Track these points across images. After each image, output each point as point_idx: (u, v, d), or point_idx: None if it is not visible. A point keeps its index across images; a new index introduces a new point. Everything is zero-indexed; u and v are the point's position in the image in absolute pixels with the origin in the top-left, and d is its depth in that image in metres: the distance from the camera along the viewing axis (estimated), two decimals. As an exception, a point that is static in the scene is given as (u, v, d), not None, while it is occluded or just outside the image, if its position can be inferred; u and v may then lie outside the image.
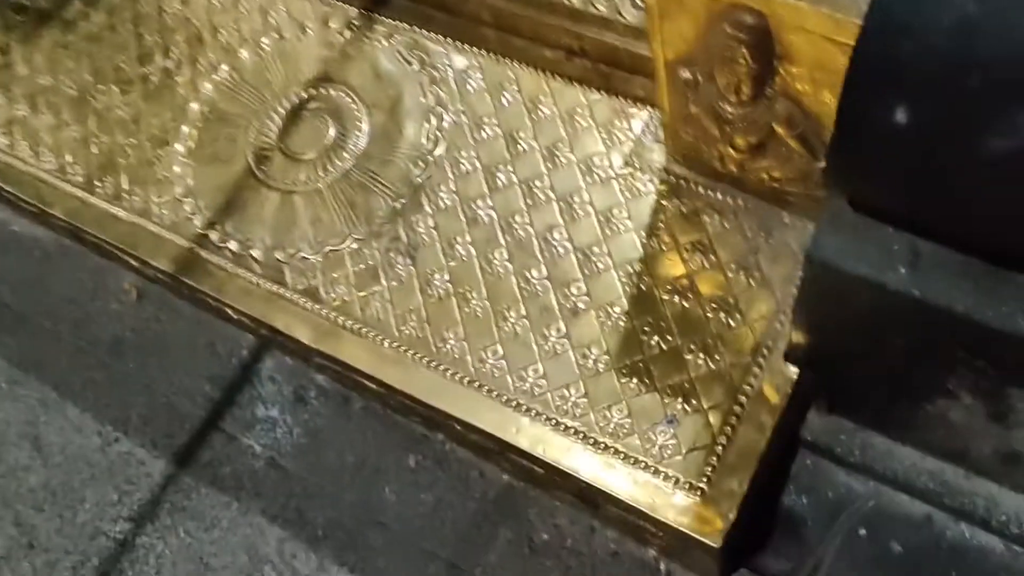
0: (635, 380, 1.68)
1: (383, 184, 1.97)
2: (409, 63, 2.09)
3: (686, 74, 1.52)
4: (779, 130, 1.49)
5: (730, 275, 1.73)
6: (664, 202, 1.83)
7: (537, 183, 1.90)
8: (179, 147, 2.12)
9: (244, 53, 2.19)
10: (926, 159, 1.00)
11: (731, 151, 1.61)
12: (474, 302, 1.81)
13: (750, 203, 1.77)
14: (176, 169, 2.10)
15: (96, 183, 2.14)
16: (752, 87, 1.42)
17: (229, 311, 1.99)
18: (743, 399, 1.62)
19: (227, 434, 2.08)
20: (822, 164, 1.52)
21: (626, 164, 1.88)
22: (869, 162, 1.04)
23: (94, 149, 2.18)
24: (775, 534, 1.70)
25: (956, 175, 1.01)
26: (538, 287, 1.80)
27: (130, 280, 2.25)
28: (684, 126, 1.67)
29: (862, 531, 1.67)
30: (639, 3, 1.84)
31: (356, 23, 2.16)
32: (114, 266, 2.24)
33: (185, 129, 2.14)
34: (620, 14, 1.86)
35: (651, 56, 1.86)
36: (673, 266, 1.77)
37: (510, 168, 1.93)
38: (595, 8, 1.87)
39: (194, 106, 2.16)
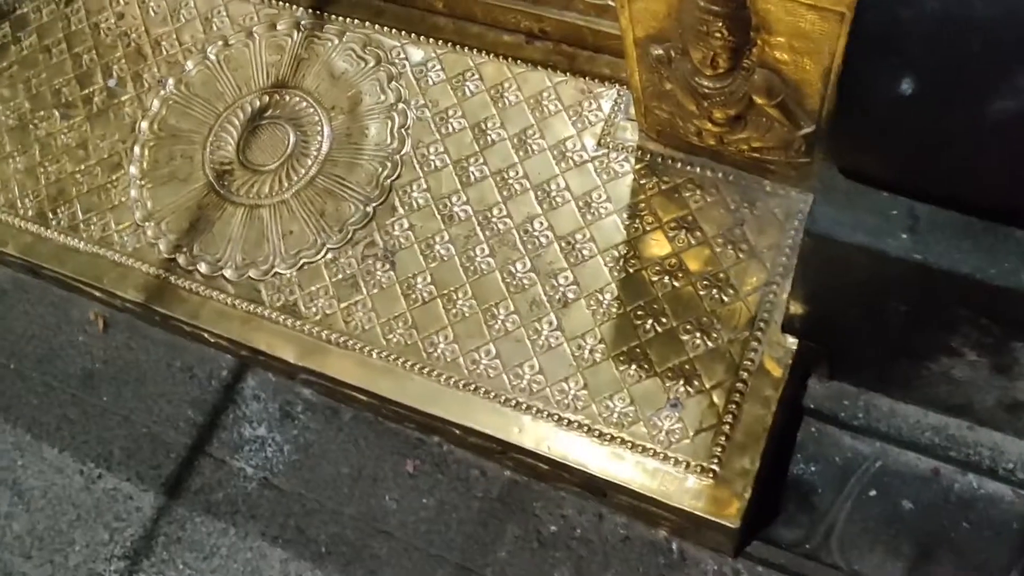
0: (634, 366, 1.65)
1: (352, 189, 1.90)
2: (365, 61, 2.02)
3: (658, 51, 1.48)
4: (759, 100, 1.46)
5: (718, 250, 1.71)
6: (643, 181, 1.79)
7: (511, 173, 1.85)
8: (133, 169, 2.03)
9: (190, 65, 2.10)
10: (930, 125, 0.97)
11: (709, 125, 1.58)
12: (460, 302, 1.77)
13: (730, 175, 1.75)
14: (133, 193, 2.01)
15: (49, 215, 2.04)
16: (729, 59, 1.39)
17: (206, 335, 1.92)
18: (745, 375, 1.61)
19: (215, 459, 2.02)
20: (805, 131, 1.50)
21: (599, 145, 1.84)
22: (873, 131, 1.01)
23: (43, 180, 2.08)
24: (786, 504, 1.70)
25: (960, 139, 0.99)
26: (524, 281, 1.76)
27: (95, 309, 2.17)
28: (658, 103, 1.63)
29: (872, 492, 1.68)
30: (598, -21, 1.79)
31: (305, 24, 2.08)
32: (76, 297, 2.16)
33: (137, 150, 2.04)
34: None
35: (616, 33, 1.82)
36: (659, 246, 1.74)
37: (481, 160, 1.88)
38: (554, -12, 1.82)
39: (143, 125, 2.06)
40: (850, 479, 1.68)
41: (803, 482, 1.72)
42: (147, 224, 1.98)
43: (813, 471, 1.72)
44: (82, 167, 2.07)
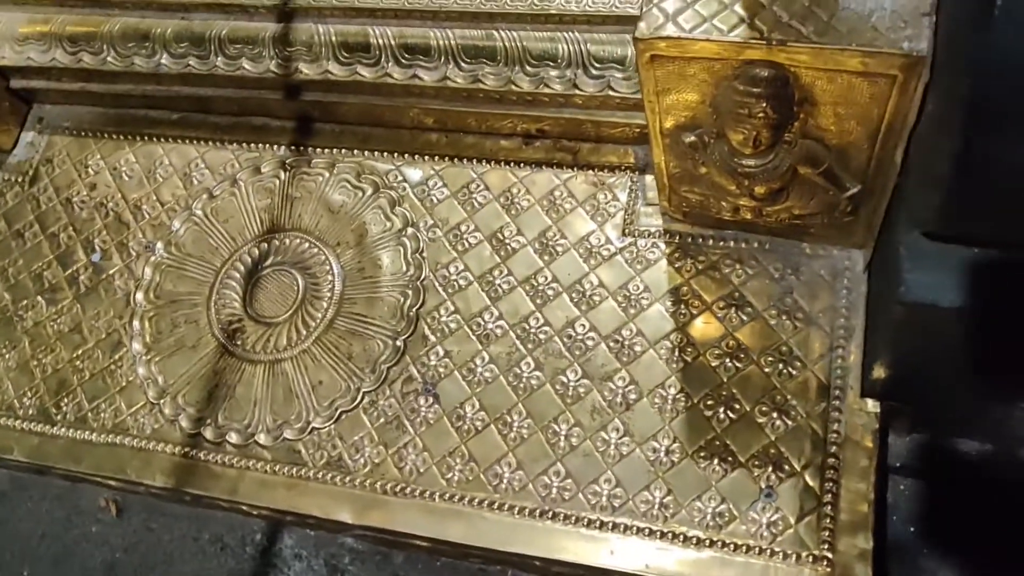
0: (716, 461, 1.57)
1: (376, 325, 1.81)
2: (361, 190, 1.94)
3: (691, 138, 1.43)
4: (803, 171, 1.41)
5: (772, 322, 1.65)
6: (678, 265, 1.73)
7: (539, 279, 1.78)
8: (136, 345, 1.90)
9: (177, 224, 1.99)
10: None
11: (748, 201, 1.53)
12: (516, 424, 1.67)
13: (766, 243, 1.70)
14: (140, 371, 1.88)
15: (53, 411, 1.89)
16: (771, 137, 1.35)
17: (244, 507, 1.78)
18: (834, 448, 1.53)
19: (268, 631, 1.87)
20: (850, 192, 1.46)
21: (624, 235, 1.78)
22: (993, 197, 0.97)
23: (39, 374, 1.93)
24: (895, 572, 1.62)
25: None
26: (579, 389, 1.67)
27: (105, 495, 2.01)
28: (689, 187, 1.58)
29: (977, 543, 1.61)
30: (593, 70, 1.75)
31: (290, 162, 2.00)
32: (81, 484, 2.00)
33: (136, 324, 1.92)
34: (576, 87, 1.76)
35: (619, 121, 1.79)
36: (712, 328, 1.67)
37: (506, 271, 1.80)
38: (549, 88, 1.77)
39: (139, 296, 1.94)
40: (949, 532, 1.61)
41: (906, 546, 1.64)
42: (162, 401, 1.84)
43: (912, 532, 1.64)
44: (80, 352, 1.93)
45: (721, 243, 1.72)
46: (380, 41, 1.84)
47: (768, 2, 1.21)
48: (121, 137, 2.10)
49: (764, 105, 1.28)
